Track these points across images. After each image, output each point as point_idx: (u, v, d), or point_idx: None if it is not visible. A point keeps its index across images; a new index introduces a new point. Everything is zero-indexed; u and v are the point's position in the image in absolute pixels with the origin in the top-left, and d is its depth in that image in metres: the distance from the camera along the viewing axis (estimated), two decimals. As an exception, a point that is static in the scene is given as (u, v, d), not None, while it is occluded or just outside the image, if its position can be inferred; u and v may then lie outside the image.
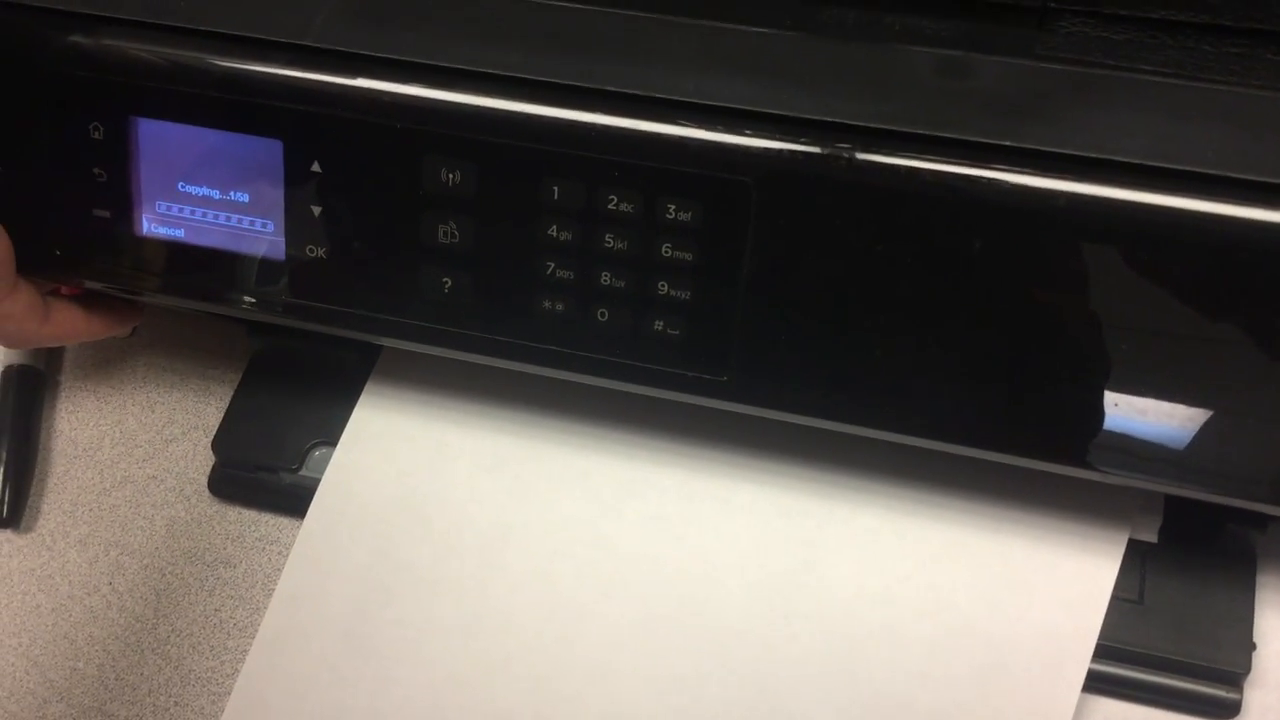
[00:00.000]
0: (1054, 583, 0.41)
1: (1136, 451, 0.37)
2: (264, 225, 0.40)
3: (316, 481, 0.47)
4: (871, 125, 0.36)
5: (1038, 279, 0.35)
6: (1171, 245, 0.34)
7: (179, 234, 0.41)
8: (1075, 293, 0.35)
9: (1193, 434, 0.36)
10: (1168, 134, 0.34)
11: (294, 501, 0.48)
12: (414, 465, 0.46)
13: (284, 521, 0.50)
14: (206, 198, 0.41)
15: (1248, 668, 0.41)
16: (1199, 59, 0.36)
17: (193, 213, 0.41)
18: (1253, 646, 0.41)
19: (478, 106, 0.37)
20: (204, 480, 0.51)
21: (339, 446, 0.47)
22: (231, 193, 0.40)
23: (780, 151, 0.36)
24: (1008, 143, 0.35)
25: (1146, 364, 0.35)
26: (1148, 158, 0.34)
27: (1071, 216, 0.34)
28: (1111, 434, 0.36)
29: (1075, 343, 0.36)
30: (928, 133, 0.35)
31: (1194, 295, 0.34)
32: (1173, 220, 0.34)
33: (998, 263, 0.35)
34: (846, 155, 0.36)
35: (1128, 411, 0.36)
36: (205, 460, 0.51)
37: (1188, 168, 0.34)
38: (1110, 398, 0.36)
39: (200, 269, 0.42)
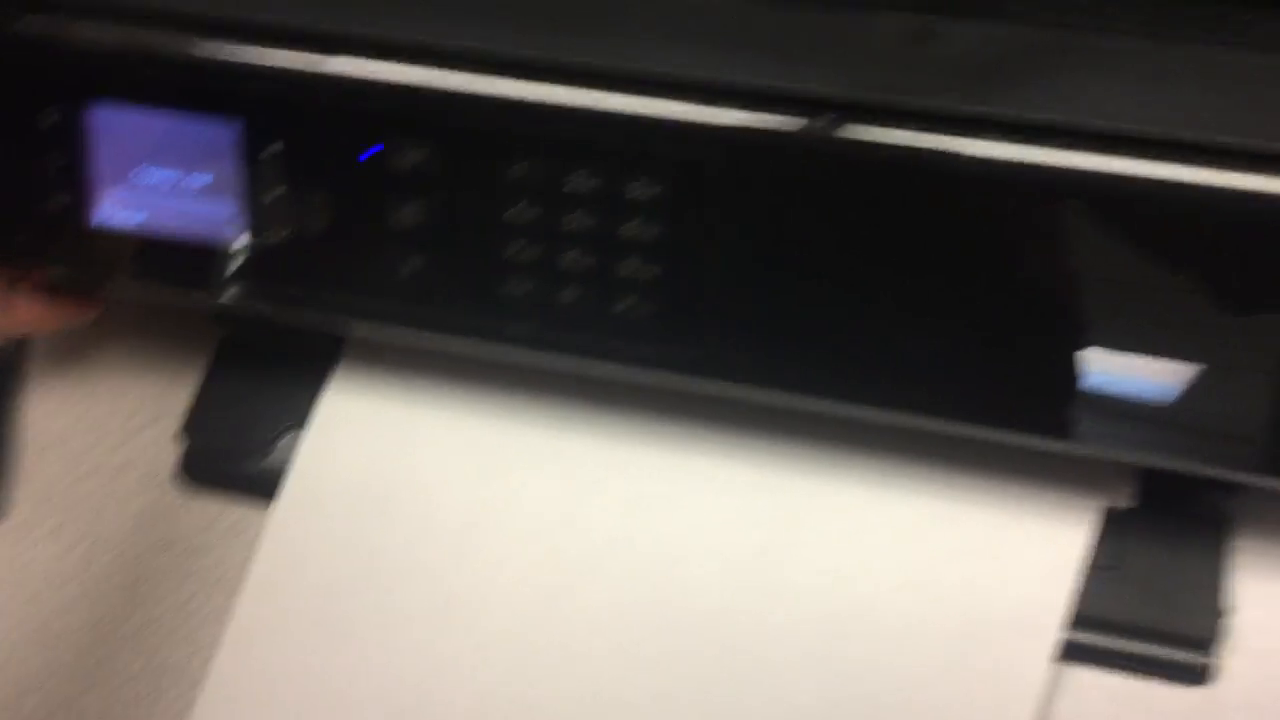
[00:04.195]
0: (1027, 552, 0.41)
1: (1114, 423, 0.37)
2: (224, 209, 0.40)
3: (283, 469, 0.46)
4: (840, 96, 0.35)
5: (1012, 249, 0.35)
6: (1148, 212, 0.34)
7: (138, 220, 0.41)
8: (1051, 263, 0.35)
9: (1170, 406, 0.36)
10: (1143, 98, 0.34)
11: (265, 487, 0.47)
12: (385, 449, 0.46)
13: (256, 508, 0.49)
14: (165, 183, 0.40)
15: (1221, 633, 0.41)
16: (1175, 18, 0.36)
17: (152, 198, 0.40)
18: (1226, 612, 0.41)
19: (439, 84, 0.37)
20: (174, 468, 0.50)
21: (308, 431, 0.47)
22: (191, 176, 0.40)
23: (748, 125, 0.36)
24: (980, 111, 0.34)
25: (1124, 335, 0.35)
26: (1122, 123, 0.33)
27: (1046, 185, 0.34)
28: (1089, 406, 0.36)
29: (1050, 314, 0.36)
30: (898, 103, 0.35)
31: (1171, 264, 0.34)
32: (1148, 187, 0.33)
33: (972, 233, 0.35)
34: (816, 127, 0.35)
35: (1106, 383, 0.36)
36: (175, 448, 0.51)
37: (1163, 133, 0.33)
38: (1088, 369, 0.36)
39: (161, 256, 0.41)
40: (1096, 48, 0.35)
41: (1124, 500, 0.42)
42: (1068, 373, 0.36)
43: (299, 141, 0.38)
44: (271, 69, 0.37)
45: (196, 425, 0.49)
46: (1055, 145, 0.34)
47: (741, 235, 0.37)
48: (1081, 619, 0.41)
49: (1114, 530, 0.42)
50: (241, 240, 0.40)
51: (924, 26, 0.36)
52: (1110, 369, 0.36)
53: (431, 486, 0.45)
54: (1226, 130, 0.33)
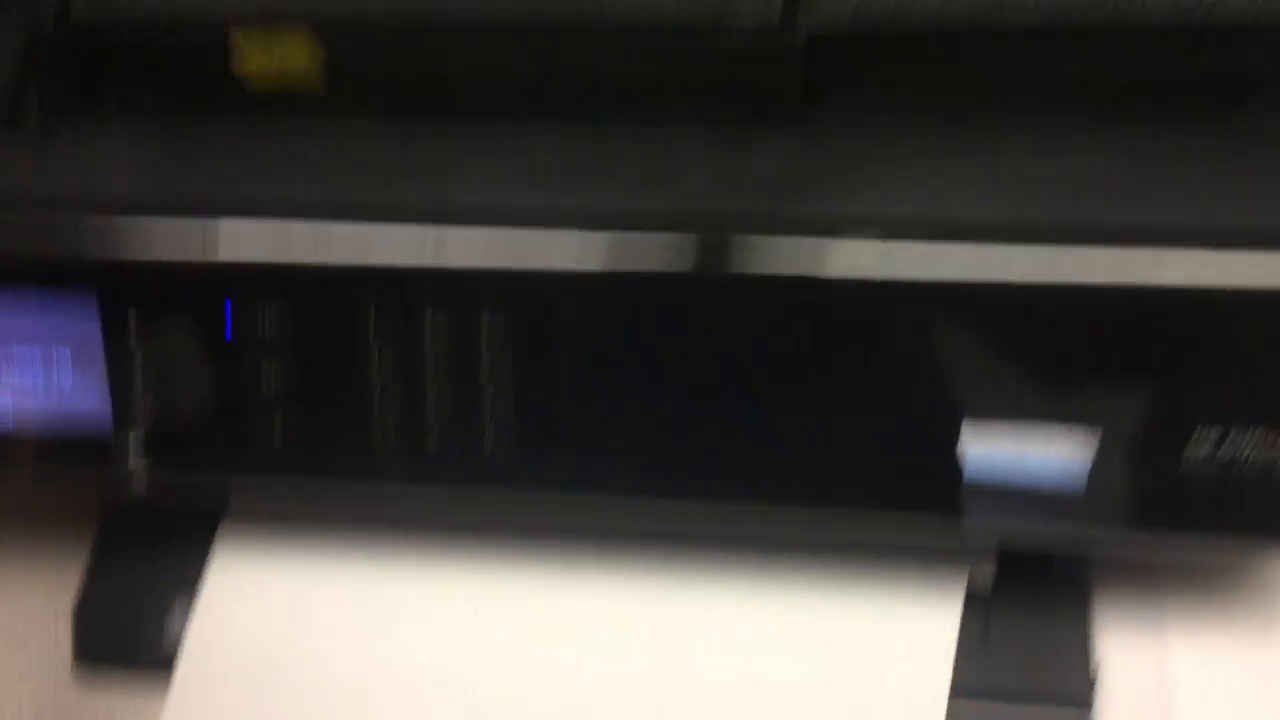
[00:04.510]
0: (905, 633, 0.43)
1: (966, 501, 0.39)
2: (89, 390, 0.41)
3: (180, 640, 0.46)
4: (662, 217, 0.38)
5: (830, 346, 0.38)
6: (946, 303, 0.37)
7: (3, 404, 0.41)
8: (868, 355, 0.38)
9: (1011, 477, 0.39)
10: (929, 196, 0.37)
11: (162, 662, 0.47)
12: (275, 612, 0.46)
13: (155, 687, 0.49)
14: (29, 368, 0.41)
15: (1094, 691, 0.43)
16: (953, 124, 0.40)
17: (15, 385, 0.41)
18: (1094, 674, 0.43)
19: (287, 241, 0.39)
20: (69, 656, 0.50)
21: (197, 602, 0.47)
22: (51, 354, 0.41)
23: (581, 253, 0.38)
24: (787, 221, 0.37)
25: (941, 421, 0.38)
26: (911, 221, 0.37)
27: (854, 283, 0.37)
28: (920, 492, 0.39)
29: (874, 406, 0.38)
30: (713, 219, 0.38)
31: (973, 350, 0.37)
32: (940, 275, 0.36)
33: (795, 333, 0.38)
34: (645, 247, 0.38)
35: (932, 469, 0.38)
36: (69, 635, 0.50)
37: (947, 226, 0.37)
38: (912, 453, 0.38)
39: (32, 444, 0.42)
40: (890, 154, 0.38)
41: (986, 571, 0.44)
42: (900, 463, 0.38)
43: (152, 312, 0.40)
44: (123, 243, 0.39)
45: (87, 610, 0.49)
46: (864, 239, 0.37)
47: (592, 359, 0.39)
48: (960, 690, 0.42)
49: (979, 601, 0.44)
50: (110, 420, 0.41)
51: (731, 153, 0.39)
52: (937, 455, 0.38)
53: (325, 646, 0.45)
54: (1009, 219, 0.36)
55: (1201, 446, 0.37)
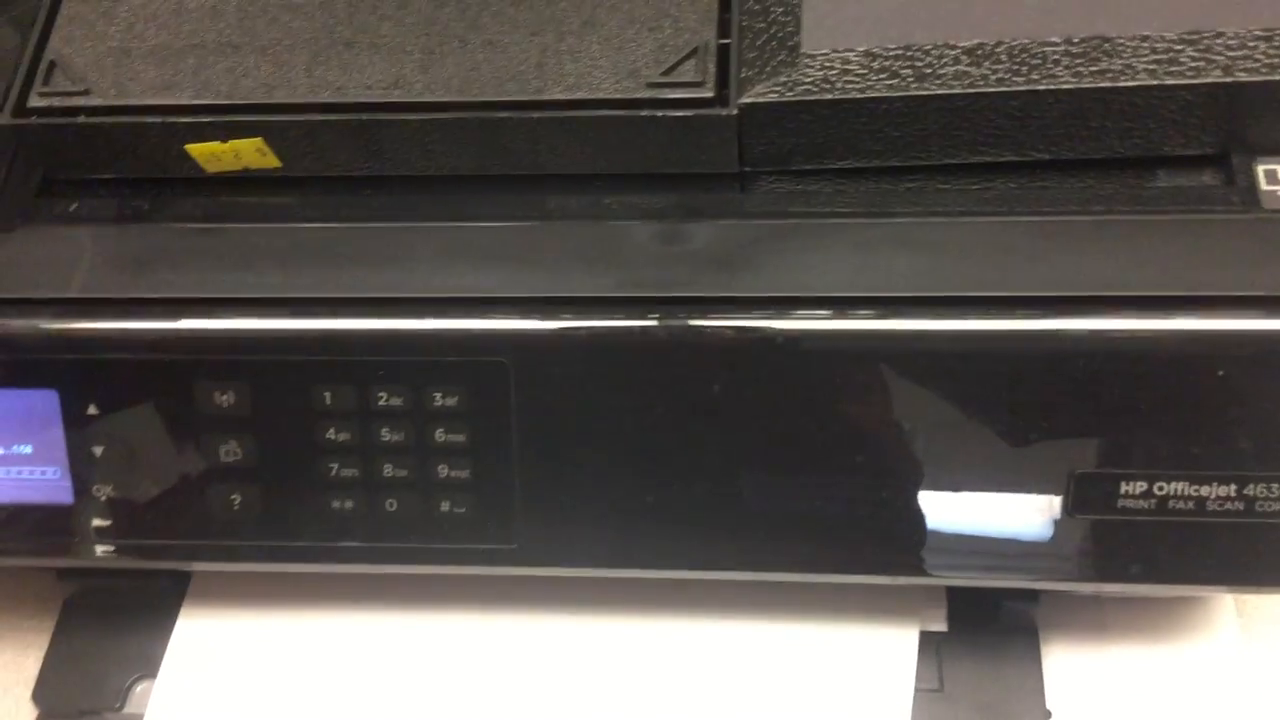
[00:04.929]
0: (860, 687, 0.43)
1: (914, 551, 0.40)
2: (50, 473, 0.41)
3: (141, 717, 0.46)
4: (607, 295, 0.39)
5: (770, 411, 0.39)
6: (876, 364, 0.38)
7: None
8: (807, 418, 0.39)
9: (956, 527, 0.40)
10: (859, 266, 0.39)
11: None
12: (237, 687, 0.46)
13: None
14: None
15: (1048, 728, 0.44)
16: (880, 197, 0.41)
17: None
18: (1048, 715, 0.44)
19: (242, 329, 0.40)
20: (30, 737, 0.49)
21: (158, 678, 0.47)
22: (14, 447, 0.41)
23: (529, 330, 0.39)
24: (725, 293, 0.39)
25: (882, 472, 0.39)
26: (842, 290, 0.39)
27: (790, 350, 0.38)
28: (871, 541, 0.40)
29: (823, 463, 0.40)
30: (655, 295, 0.39)
31: (907, 404, 0.39)
32: (872, 341, 0.38)
33: (736, 400, 0.39)
34: (588, 324, 0.39)
35: (878, 519, 0.40)
36: (30, 716, 0.50)
37: (877, 294, 0.38)
38: (857, 508, 0.40)
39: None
40: (814, 229, 0.40)
41: (937, 623, 0.45)
42: (842, 513, 0.40)
43: (111, 401, 0.41)
44: (78, 337, 0.40)
45: (48, 687, 0.49)
46: (790, 316, 0.38)
47: (538, 427, 0.40)
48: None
49: (932, 652, 0.44)
50: (72, 501, 0.42)
51: (671, 230, 0.40)
52: (882, 505, 0.40)
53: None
54: (932, 284, 0.38)
55: (1134, 495, 0.39)
